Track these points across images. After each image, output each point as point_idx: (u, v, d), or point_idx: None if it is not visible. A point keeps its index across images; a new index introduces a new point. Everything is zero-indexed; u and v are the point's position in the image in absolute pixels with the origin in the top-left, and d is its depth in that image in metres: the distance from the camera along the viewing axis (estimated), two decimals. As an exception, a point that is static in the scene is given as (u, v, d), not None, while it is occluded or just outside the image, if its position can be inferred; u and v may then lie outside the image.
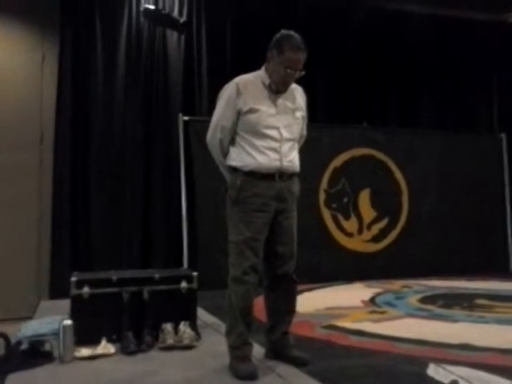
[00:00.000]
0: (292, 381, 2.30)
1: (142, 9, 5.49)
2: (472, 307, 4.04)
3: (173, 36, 5.64)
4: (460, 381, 2.23)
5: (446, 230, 6.17)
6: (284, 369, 2.46)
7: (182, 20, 5.63)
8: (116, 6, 5.44)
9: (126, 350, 2.78)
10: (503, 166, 6.64)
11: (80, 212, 5.19)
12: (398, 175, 6.13)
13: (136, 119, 5.44)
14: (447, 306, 4.10)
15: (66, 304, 3.12)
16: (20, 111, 5.15)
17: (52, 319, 3.26)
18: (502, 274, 6.11)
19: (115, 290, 3.02)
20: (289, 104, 2.57)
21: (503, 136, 6.67)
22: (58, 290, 4.74)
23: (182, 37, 5.67)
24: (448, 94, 6.74)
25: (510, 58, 6.83)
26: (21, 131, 5.11)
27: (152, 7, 5.49)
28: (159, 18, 5.56)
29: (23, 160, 5.08)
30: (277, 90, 2.52)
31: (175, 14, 5.63)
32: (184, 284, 3.16)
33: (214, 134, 2.56)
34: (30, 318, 3.76)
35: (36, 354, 2.68)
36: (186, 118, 5.37)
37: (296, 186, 2.62)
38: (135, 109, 5.44)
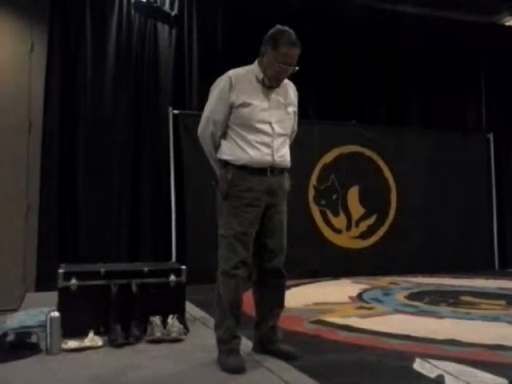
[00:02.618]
0: (280, 375, 2.30)
1: (132, 1, 5.45)
2: (458, 304, 4.08)
3: (164, 29, 5.61)
4: (445, 375, 2.25)
5: (433, 228, 6.23)
6: (272, 363, 2.47)
7: (173, 13, 5.59)
8: (107, -3, 5.40)
9: (113, 343, 2.77)
10: (491, 165, 6.71)
11: (68, 203, 5.15)
12: (387, 173, 6.17)
13: (125, 112, 5.40)
14: (434, 302, 4.14)
15: (51, 296, 3.11)
16: (8, 101, 5.09)
17: (38, 311, 3.23)
18: (488, 271, 6.20)
19: (103, 282, 3.01)
20: (281, 99, 2.56)
21: (491, 136, 6.74)
22: (44, 283, 4.70)
23: (173, 30, 5.63)
24: (437, 93, 6.79)
25: (497, 58, 6.90)
26: (8, 121, 5.05)
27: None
28: (150, 11, 5.52)
29: (10, 150, 5.03)
30: (270, 84, 2.51)
31: (166, 7, 5.60)
32: (172, 277, 3.16)
33: (205, 127, 2.54)
34: (15, 310, 3.73)
35: (22, 345, 2.66)
36: (175, 111, 5.35)
37: (287, 181, 2.62)
38: (124, 101, 5.40)
